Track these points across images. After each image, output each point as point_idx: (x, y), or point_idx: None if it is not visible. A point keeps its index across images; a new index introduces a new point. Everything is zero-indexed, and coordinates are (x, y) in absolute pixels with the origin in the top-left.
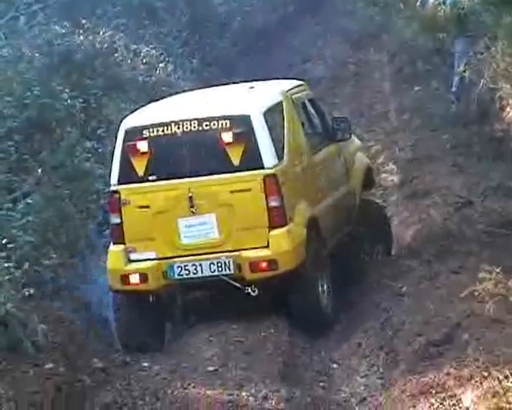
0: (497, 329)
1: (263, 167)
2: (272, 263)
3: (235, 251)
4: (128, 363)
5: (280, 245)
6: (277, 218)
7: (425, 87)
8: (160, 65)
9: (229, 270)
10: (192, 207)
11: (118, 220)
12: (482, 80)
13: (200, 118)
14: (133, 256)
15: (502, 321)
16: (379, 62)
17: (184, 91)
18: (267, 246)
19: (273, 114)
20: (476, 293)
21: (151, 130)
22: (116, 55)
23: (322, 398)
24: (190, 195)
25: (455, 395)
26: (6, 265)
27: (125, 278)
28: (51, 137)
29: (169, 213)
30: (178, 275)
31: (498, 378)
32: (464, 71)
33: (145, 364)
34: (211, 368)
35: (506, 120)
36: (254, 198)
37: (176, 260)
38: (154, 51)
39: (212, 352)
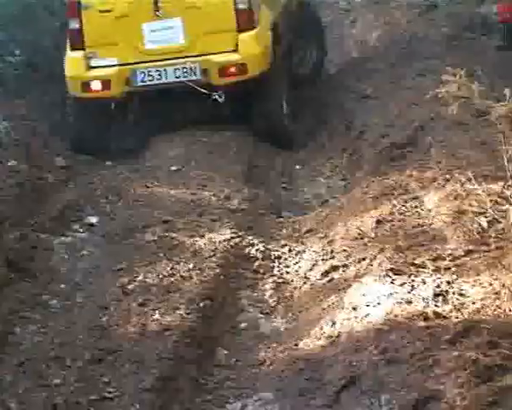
0: (460, 131)
1: None
2: (242, 67)
3: (201, 56)
4: (91, 162)
5: (249, 49)
6: (246, 21)
7: None
8: None
9: (195, 75)
10: (157, 10)
11: (77, 25)
12: None
13: None
14: (94, 62)
15: (465, 124)
16: None
17: None
18: (236, 50)
19: None
20: (440, 96)
21: None
22: None
23: (284, 198)
24: None
25: (417, 197)
26: None
27: (86, 86)
28: None
29: (132, 17)
30: (141, 81)
31: (461, 181)
32: None
33: (108, 163)
34: (174, 168)
35: None
36: (222, 1)
37: (139, 65)
38: None
39: (176, 152)
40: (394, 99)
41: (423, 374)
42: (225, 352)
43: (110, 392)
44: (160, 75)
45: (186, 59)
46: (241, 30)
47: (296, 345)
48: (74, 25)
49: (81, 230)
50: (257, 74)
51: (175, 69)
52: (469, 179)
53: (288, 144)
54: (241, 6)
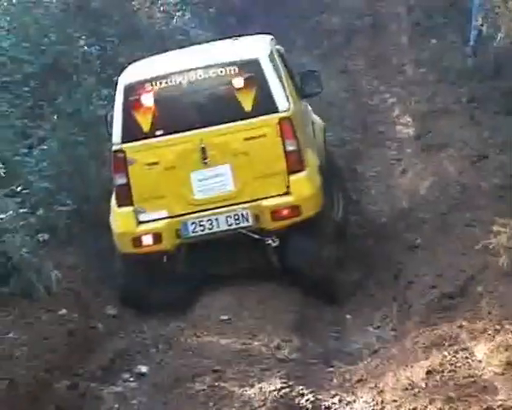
0: (510, 282)
1: (277, 111)
2: (295, 209)
3: (252, 201)
4: (142, 311)
5: (302, 190)
6: (296, 162)
7: (442, 40)
8: (177, 14)
9: (248, 221)
10: (205, 159)
11: (124, 181)
12: (499, 34)
13: (205, 66)
14: (143, 217)
15: None
16: (396, 15)
17: (196, 43)
18: (287, 192)
19: (272, 60)
20: (490, 246)
21: (153, 83)
22: (133, 2)
23: (334, 349)
24: (202, 146)
25: (468, 348)
26: (21, 210)
27: (137, 241)
28: (67, 84)
29: (180, 168)
30: (193, 232)
31: (511, 332)
32: (481, 25)
33: (159, 313)
34: (224, 317)
35: None
36: (270, 144)
37: (189, 216)
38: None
39: (226, 302)
40: (444, 249)
41: None
42: None
43: None
44: (211, 224)
45: (237, 206)
46: (291, 172)
47: None
48: (121, 181)
49: (131, 379)
50: (311, 216)
51: (226, 217)
52: None
53: (334, 295)
54: (290, 147)
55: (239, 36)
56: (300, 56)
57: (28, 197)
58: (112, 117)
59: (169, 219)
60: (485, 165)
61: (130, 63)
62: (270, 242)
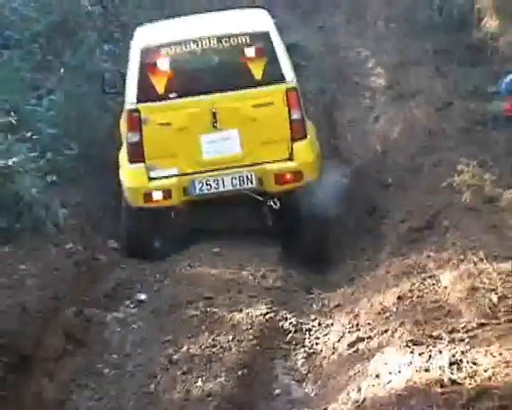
0: (473, 217)
1: (284, 81)
2: (297, 174)
3: (256, 165)
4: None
5: (304, 156)
6: (299, 130)
7: None
8: None
9: (252, 183)
10: (215, 122)
11: (137, 139)
12: None
13: (218, 35)
14: (153, 174)
15: (477, 210)
16: None
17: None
18: (290, 158)
19: (278, 33)
20: (454, 184)
21: (170, 48)
22: None
23: (314, 278)
24: (213, 110)
25: (434, 276)
26: (31, 154)
27: (147, 196)
28: (72, 40)
29: (191, 130)
30: (200, 190)
31: (474, 261)
32: None
33: (156, 245)
34: (215, 249)
35: (483, 29)
36: (277, 112)
37: (197, 175)
38: None
39: (217, 238)
40: (413, 187)
41: None
42: None
43: None
44: (217, 184)
45: (242, 168)
46: (295, 139)
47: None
48: (135, 139)
49: (132, 305)
50: (311, 180)
51: (232, 178)
52: (481, 259)
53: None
54: (295, 116)
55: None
56: (282, 15)
57: (38, 142)
58: (107, 76)
59: (178, 177)
60: (450, 111)
61: (137, 25)
62: (271, 204)
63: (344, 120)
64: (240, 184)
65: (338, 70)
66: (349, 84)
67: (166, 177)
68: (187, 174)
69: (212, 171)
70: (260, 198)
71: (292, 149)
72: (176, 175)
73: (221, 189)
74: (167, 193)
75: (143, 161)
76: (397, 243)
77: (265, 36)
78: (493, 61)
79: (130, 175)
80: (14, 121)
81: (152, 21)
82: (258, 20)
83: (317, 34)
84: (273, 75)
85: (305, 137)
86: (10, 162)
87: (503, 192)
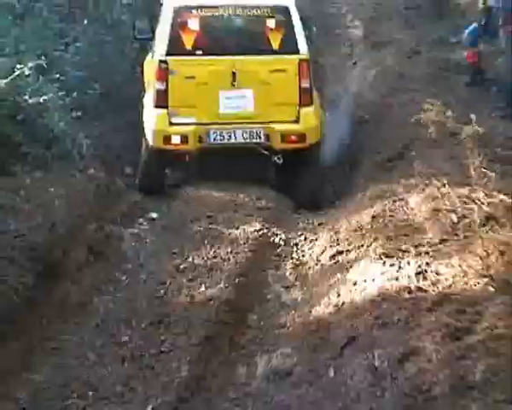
0: (436, 148)
1: (298, 53)
2: (301, 136)
3: (266, 123)
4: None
5: (309, 121)
6: (306, 98)
7: None
8: None
9: (260, 139)
10: (234, 81)
11: (163, 87)
12: None
13: (244, 5)
14: (174, 120)
15: (441, 142)
16: None
17: None
18: (297, 121)
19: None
20: (421, 120)
21: (200, 10)
22: None
23: (301, 201)
24: (234, 70)
25: (403, 199)
26: (59, 93)
27: (167, 139)
28: None
29: (212, 85)
30: (214, 139)
31: (437, 186)
32: None
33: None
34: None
35: None
36: (289, 79)
37: (213, 126)
38: None
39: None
40: (386, 123)
41: (408, 334)
42: (255, 317)
43: (166, 347)
44: (229, 136)
45: (253, 124)
46: (302, 105)
47: (310, 312)
48: (161, 87)
49: (145, 223)
50: (313, 143)
51: (243, 132)
52: (444, 185)
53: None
54: (304, 85)
55: None
56: None
57: (65, 83)
58: (138, 25)
59: (196, 126)
60: (418, 59)
61: None
62: (275, 159)
63: (327, 65)
64: (250, 139)
65: (321, 23)
66: (331, 35)
67: (185, 124)
68: (204, 124)
69: (227, 124)
70: (266, 153)
71: (299, 113)
72: (194, 123)
73: (232, 140)
74: (185, 138)
75: (166, 108)
76: (372, 171)
77: (285, 10)
78: (456, 15)
79: (153, 118)
80: (44, 65)
81: None
82: None
83: None
84: (289, 46)
85: (311, 104)
86: (42, 100)
87: (463, 127)
